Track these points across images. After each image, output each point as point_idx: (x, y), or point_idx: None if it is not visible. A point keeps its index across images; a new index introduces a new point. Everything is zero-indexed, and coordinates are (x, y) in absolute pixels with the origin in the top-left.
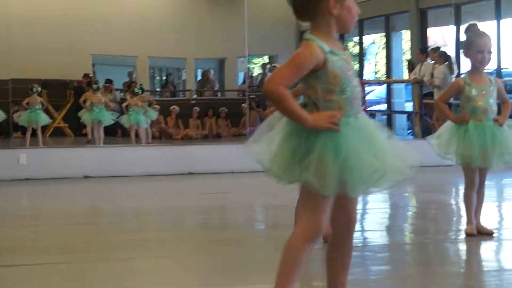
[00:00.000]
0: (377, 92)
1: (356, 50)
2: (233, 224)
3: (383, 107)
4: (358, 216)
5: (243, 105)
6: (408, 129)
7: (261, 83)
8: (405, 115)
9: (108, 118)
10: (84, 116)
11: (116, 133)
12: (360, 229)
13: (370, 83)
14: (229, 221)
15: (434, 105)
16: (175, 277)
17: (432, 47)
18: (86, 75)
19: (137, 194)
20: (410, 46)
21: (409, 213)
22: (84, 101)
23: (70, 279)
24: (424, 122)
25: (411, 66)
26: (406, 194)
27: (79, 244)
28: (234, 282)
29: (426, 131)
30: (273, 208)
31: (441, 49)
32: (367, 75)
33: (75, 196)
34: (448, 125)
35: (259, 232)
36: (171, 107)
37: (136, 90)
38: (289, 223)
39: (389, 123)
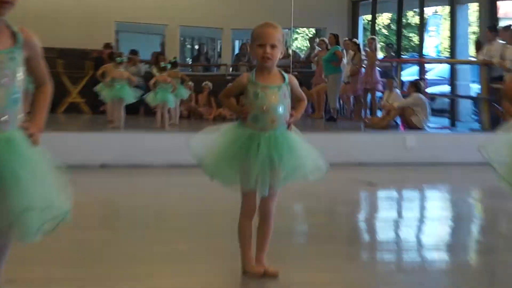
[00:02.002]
0: (438, 70)
1: (416, 21)
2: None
3: (445, 89)
4: (414, 228)
5: None
6: (474, 116)
7: (308, 58)
8: (471, 100)
9: (131, 96)
10: (104, 92)
11: (138, 111)
12: (416, 246)
13: (430, 62)
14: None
15: (503, 93)
16: None
17: (503, 26)
18: (107, 45)
19: (161, 190)
20: (478, 22)
21: (474, 225)
22: (103, 75)
23: None
24: (493, 110)
25: (478, 45)
26: (471, 201)
27: (92, 256)
28: None
29: (495, 120)
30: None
31: None
32: (428, 49)
33: (90, 189)
34: None
35: (299, 246)
36: (203, 83)
37: (162, 64)
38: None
39: (452, 109)
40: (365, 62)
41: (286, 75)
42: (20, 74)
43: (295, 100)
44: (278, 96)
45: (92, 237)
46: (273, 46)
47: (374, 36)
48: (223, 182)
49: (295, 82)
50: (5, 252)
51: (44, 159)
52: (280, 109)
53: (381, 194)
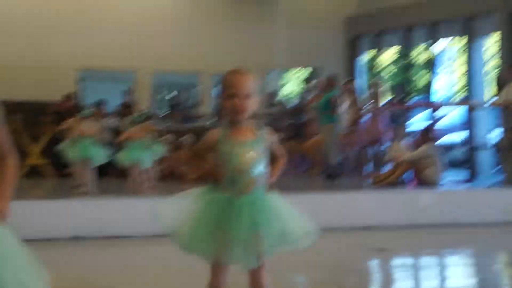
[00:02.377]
0: (453, 115)
1: (424, 57)
2: None
3: (459, 136)
4: None
5: None
6: (496, 166)
7: (301, 105)
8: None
9: (102, 155)
10: (69, 152)
11: (106, 173)
12: None
13: (446, 105)
14: None
15: None
16: None
17: None
18: (69, 96)
19: (142, 264)
20: (498, 56)
21: None
22: (66, 132)
23: None
24: None
25: (501, 82)
26: (496, 266)
27: None
28: None
29: None
30: None
31: None
32: (440, 91)
33: (60, 266)
34: None
35: None
36: (182, 138)
37: (134, 117)
38: None
39: (471, 160)
40: (367, 107)
41: (261, 127)
42: None
43: (271, 158)
44: (254, 153)
45: None
46: (245, 96)
47: (378, 80)
48: (200, 255)
49: (272, 136)
50: None
51: (12, 236)
52: (258, 168)
53: (394, 261)
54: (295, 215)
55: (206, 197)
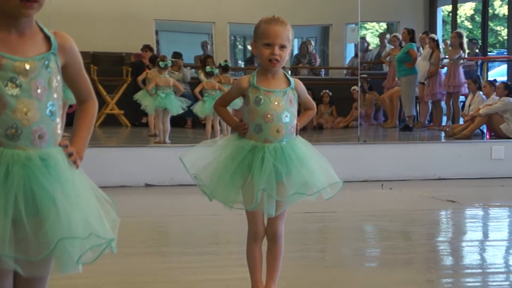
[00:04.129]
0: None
1: (504, 11)
2: (336, 258)
3: None
4: (502, 250)
5: (353, 87)
6: None
7: (378, 58)
8: None
9: (177, 106)
10: (146, 102)
11: (185, 123)
12: (504, 269)
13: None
14: (332, 254)
15: None
16: None
17: None
18: (146, 47)
19: (214, 211)
20: None
21: None
22: (144, 81)
23: None
24: None
25: None
26: None
27: (141, 284)
28: None
29: None
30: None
31: None
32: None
33: (133, 212)
34: None
35: (371, 271)
36: None
37: (209, 68)
38: None
39: None
40: (445, 61)
41: (292, 79)
42: (56, 85)
43: (302, 109)
44: (283, 102)
45: (139, 265)
46: (282, 47)
47: (460, 31)
48: (224, 202)
49: (302, 87)
50: (44, 284)
51: (85, 180)
52: (286, 117)
53: (465, 213)
54: (321, 166)
55: (233, 144)
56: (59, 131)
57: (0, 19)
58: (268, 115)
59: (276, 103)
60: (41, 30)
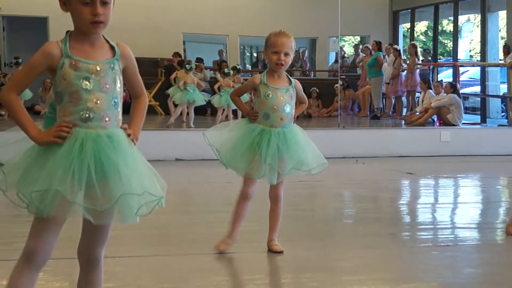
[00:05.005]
0: (470, 73)
1: (450, 28)
2: (322, 216)
3: (477, 89)
4: (449, 210)
5: (335, 85)
6: (502, 113)
7: (353, 63)
8: (500, 99)
9: (201, 99)
10: (177, 95)
11: (205, 112)
12: (450, 226)
13: (464, 65)
14: (318, 213)
15: None
16: (270, 272)
17: None
18: (176, 54)
19: (229, 179)
20: (506, 28)
21: (502, 208)
22: (174, 79)
23: (166, 274)
24: None
25: (506, 49)
26: (499, 187)
27: (174, 236)
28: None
29: None
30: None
31: None
32: (461, 53)
33: (167, 180)
34: None
35: (348, 226)
36: None
37: (226, 70)
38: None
39: (483, 106)
40: (404, 66)
41: (292, 79)
42: (119, 83)
43: (297, 102)
44: (286, 97)
45: (172, 221)
46: (286, 54)
47: (414, 42)
48: (237, 171)
49: (300, 86)
50: (108, 230)
51: (140, 154)
52: (288, 109)
53: (420, 182)
54: (312, 148)
55: (246, 127)
56: (120, 117)
57: (77, 34)
58: (275, 106)
59: (281, 98)
60: (107, 41)
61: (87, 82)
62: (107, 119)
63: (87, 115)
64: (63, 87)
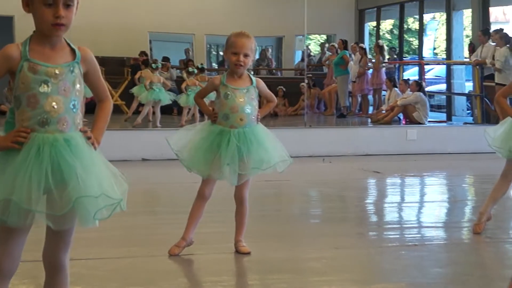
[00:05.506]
0: (436, 71)
1: (415, 26)
2: (289, 216)
3: (442, 87)
4: (415, 209)
5: (302, 84)
6: (468, 110)
7: (319, 62)
8: (465, 97)
9: (167, 98)
10: (143, 95)
11: (172, 111)
12: (417, 225)
13: (429, 64)
14: (285, 213)
15: (494, 98)
16: (237, 273)
17: (495, 30)
18: (142, 53)
19: (195, 180)
20: (471, 26)
21: (467, 207)
22: (139, 78)
23: (133, 276)
24: (484, 106)
25: (471, 47)
26: (465, 186)
27: (140, 237)
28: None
29: (486, 115)
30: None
31: (503, 31)
32: (426, 51)
33: (133, 180)
34: (508, 120)
35: (315, 226)
36: None
37: (190, 69)
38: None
39: (449, 104)
40: (370, 64)
41: (254, 78)
42: (78, 86)
43: (265, 101)
44: (246, 98)
45: (138, 222)
46: (245, 55)
47: (380, 41)
48: (199, 173)
49: (263, 85)
50: (70, 235)
51: (100, 157)
52: (248, 109)
53: (386, 181)
54: (275, 146)
55: (206, 128)
56: (79, 120)
57: (38, 36)
58: (234, 107)
59: (240, 99)
60: (68, 44)
61: (45, 86)
62: (64, 122)
63: (44, 119)
64: (21, 91)
